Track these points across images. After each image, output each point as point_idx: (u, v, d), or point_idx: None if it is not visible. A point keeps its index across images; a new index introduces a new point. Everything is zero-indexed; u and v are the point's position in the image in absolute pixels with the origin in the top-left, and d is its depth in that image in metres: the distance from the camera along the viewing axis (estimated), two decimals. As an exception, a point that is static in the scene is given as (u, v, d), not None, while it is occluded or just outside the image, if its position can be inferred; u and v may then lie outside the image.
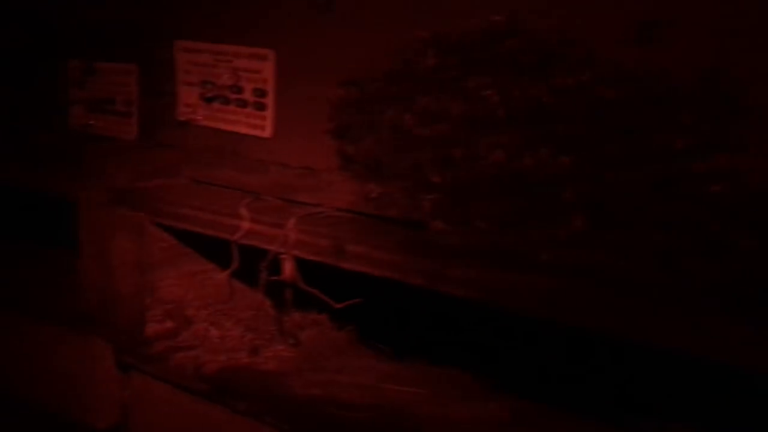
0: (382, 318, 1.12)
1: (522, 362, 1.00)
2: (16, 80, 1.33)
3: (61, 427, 1.30)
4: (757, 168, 0.70)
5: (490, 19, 0.83)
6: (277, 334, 1.07)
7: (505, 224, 0.82)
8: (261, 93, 1.03)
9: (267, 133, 1.03)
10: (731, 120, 0.71)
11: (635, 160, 0.75)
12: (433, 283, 0.82)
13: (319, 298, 0.93)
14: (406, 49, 0.88)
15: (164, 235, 1.08)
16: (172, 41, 1.11)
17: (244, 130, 1.05)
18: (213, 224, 0.99)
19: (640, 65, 0.75)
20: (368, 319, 1.11)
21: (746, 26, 0.71)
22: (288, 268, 0.89)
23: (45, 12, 1.27)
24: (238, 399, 1.02)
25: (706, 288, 0.72)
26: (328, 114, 0.97)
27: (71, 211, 1.20)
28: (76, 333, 1.22)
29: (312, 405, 0.98)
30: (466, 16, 0.85)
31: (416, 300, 1.08)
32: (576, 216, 0.79)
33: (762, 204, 0.70)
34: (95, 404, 1.23)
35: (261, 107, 1.03)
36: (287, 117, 1.02)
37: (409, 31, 0.89)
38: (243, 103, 1.05)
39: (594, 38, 0.77)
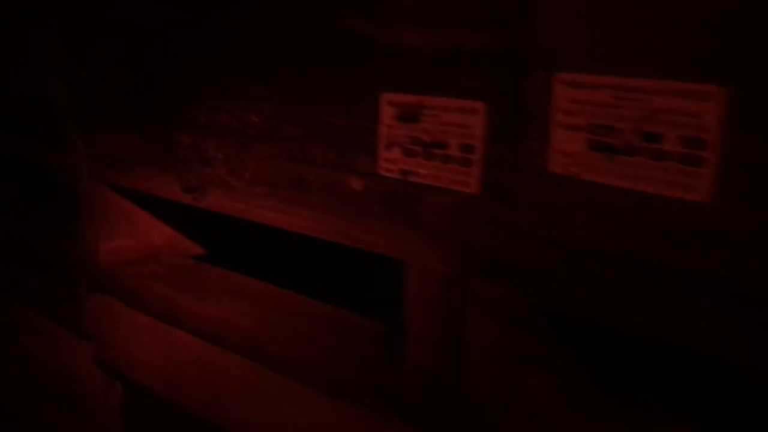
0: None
1: None
2: (313, 109, 1.14)
3: None
4: None
5: None
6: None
7: None
8: (696, 143, 0.77)
9: (702, 196, 0.77)
10: None
11: None
12: None
13: None
14: None
15: (540, 322, 0.85)
16: (544, 73, 0.87)
17: (663, 190, 0.80)
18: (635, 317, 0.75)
19: None
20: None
21: None
22: None
23: (350, 33, 1.08)
24: None
25: None
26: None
27: (377, 273, 1.00)
28: (388, 425, 1.02)
29: None
30: None
31: None
32: None
33: None
34: None
35: (696, 162, 0.78)
36: (734, 175, 0.76)
37: None
38: (666, 156, 0.79)
39: None
